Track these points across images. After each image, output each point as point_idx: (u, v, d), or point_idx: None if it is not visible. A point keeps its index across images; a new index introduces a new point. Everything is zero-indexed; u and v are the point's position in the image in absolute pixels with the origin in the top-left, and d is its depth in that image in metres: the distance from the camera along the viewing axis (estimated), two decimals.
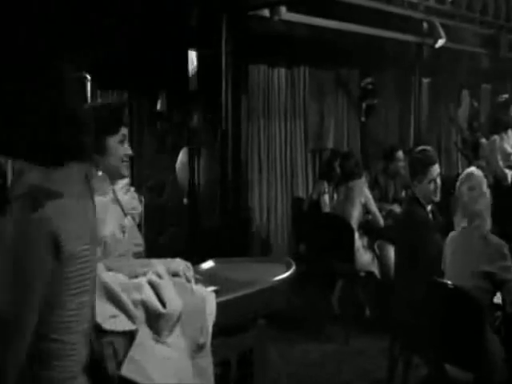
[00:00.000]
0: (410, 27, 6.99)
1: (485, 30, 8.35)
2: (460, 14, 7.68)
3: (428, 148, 4.17)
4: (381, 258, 4.45)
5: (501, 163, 6.91)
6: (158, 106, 6.07)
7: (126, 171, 2.60)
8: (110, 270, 2.21)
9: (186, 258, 2.56)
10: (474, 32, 7.98)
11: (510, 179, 6.81)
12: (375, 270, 5.20)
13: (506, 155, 6.94)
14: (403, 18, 6.88)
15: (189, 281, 2.42)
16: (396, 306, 4.05)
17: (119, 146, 2.55)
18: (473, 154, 8.16)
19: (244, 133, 5.95)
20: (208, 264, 2.81)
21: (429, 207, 4.00)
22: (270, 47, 6.35)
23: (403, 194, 6.44)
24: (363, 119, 7.77)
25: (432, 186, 3.95)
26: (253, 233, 6.52)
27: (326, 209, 6.13)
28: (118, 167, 2.56)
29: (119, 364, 1.99)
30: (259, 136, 6.70)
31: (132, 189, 2.65)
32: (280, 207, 6.88)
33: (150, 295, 2.11)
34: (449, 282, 3.43)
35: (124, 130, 2.58)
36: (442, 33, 7.06)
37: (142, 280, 2.17)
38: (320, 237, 5.71)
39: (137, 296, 2.10)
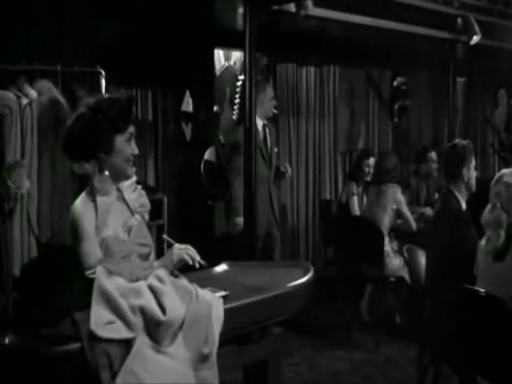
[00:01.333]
0: (443, 23, 6.78)
1: None
2: (496, 9, 7.43)
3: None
4: (410, 263, 4.27)
5: None
6: (184, 105, 5.97)
7: (132, 172, 2.48)
8: (110, 273, 2.07)
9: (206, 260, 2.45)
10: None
11: None
12: (405, 275, 5.01)
13: None
14: (436, 13, 6.66)
15: (194, 260, 2.32)
16: (426, 314, 3.87)
17: (126, 145, 2.43)
18: (510, 156, 7.89)
19: None
20: (221, 267, 2.66)
21: (463, 204, 3.81)
22: (299, 45, 6.22)
23: (436, 196, 6.22)
24: (396, 120, 7.57)
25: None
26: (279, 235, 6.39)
27: (355, 211, 5.93)
28: (124, 168, 2.44)
29: (115, 375, 1.84)
30: (288, 136, 6.58)
31: (139, 187, 2.52)
32: (305, 209, 6.74)
33: (149, 301, 1.96)
34: (481, 290, 3.23)
35: (131, 128, 2.45)
36: (477, 29, 6.82)
37: (142, 284, 2.02)
38: (349, 240, 5.54)
39: (135, 301, 1.95)
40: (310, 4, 5.27)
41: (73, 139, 2.39)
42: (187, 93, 5.89)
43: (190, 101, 5.95)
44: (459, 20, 6.87)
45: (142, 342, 1.90)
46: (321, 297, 5.35)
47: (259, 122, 5.25)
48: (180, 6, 5.32)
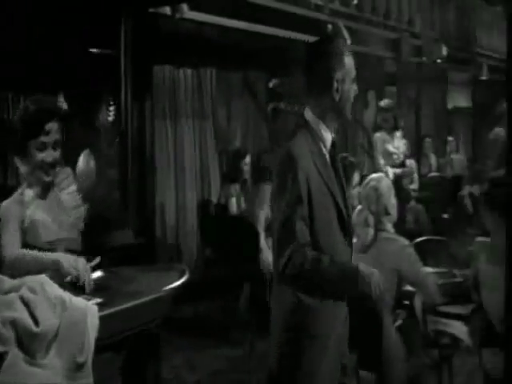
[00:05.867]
0: (315, 29, 7.02)
1: (388, 33, 8.50)
2: (364, 17, 7.79)
3: None
4: None
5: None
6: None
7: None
8: None
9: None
10: (379, 35, 8.10)
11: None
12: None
13: (388, 155, 6.95)
14: (309, 19, 6.90)
15: (79, 279, 2.37)
16: None
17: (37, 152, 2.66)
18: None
19: (149, 134, 5.78)
20: (96, 274, 2.64)
21: None
22: (176, 47, 6.21)
23: None
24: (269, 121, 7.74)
25: None
26: (161, 237, 6.37)
27: (233, 212, 6.03)
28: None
29: None
30: (167, 137, 6.57)
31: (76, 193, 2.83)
32: (190, 210, 6.76)
33: (22, 313, 1.93)
34: None
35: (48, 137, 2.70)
36: (347, 35, 7.11)
37: (14, 296, 1.99)
38: (226, 240, 5.61)
39: (7, 314, 1.91)
40: (185, 7, 5.31)
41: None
42: (61, 95, 5.72)
43: (64, 102, 5.78)
44: (329, 26, 7.15)
45: (15, 356, 1.87)
46: (203, 296, 5.41)
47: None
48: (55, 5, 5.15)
